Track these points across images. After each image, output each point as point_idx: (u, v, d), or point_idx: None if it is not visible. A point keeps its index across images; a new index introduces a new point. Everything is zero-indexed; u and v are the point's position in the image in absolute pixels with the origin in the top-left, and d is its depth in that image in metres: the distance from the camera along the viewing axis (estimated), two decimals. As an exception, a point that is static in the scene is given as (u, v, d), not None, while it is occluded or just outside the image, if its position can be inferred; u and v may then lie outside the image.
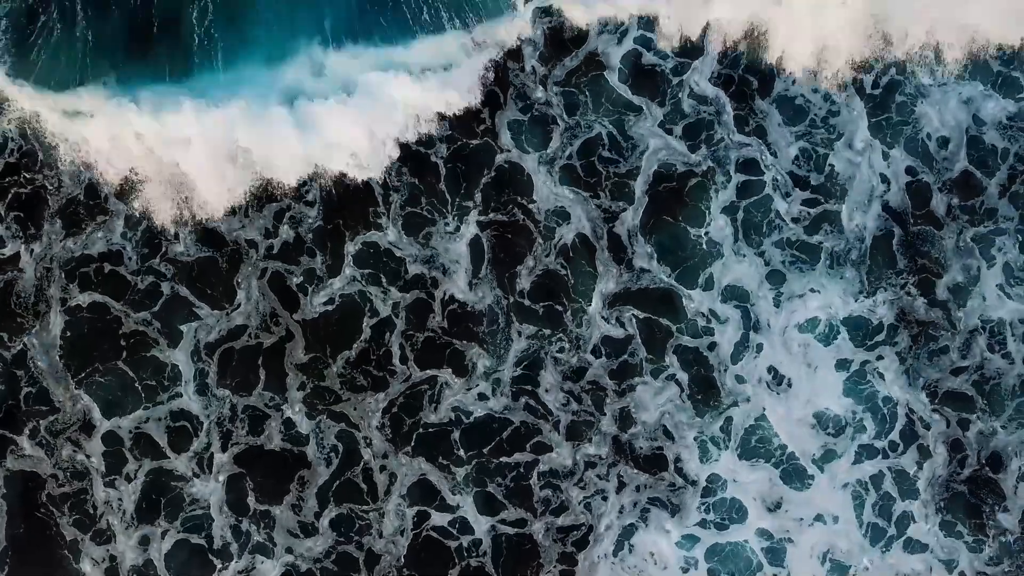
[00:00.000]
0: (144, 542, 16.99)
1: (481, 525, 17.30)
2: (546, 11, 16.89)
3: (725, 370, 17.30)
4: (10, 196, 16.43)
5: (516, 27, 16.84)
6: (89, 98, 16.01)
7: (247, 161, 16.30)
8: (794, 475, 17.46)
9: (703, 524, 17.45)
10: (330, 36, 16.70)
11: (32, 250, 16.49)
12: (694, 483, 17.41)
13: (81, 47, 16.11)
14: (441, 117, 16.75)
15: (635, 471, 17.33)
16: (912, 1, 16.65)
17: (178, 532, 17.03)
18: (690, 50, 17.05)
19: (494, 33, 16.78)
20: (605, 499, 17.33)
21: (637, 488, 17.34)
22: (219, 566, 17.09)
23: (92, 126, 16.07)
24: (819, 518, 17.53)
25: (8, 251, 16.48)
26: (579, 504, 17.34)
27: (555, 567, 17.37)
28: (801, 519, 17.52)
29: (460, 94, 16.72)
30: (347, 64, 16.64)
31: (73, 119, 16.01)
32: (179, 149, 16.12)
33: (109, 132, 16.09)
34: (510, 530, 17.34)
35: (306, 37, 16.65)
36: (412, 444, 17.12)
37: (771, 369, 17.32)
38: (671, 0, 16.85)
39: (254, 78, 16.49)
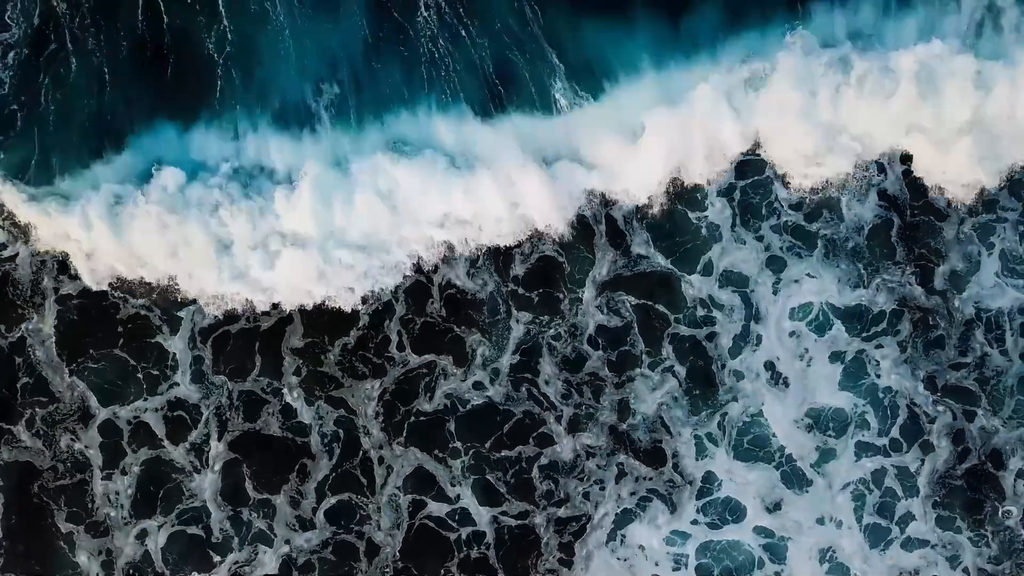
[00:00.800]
0: (141, 535, 16.86)
1: (483, 516, 17.14)
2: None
3: (723, 366, 17.14)
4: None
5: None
6: (86, 207, 15.77)
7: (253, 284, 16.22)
8: (793, 476, 17.26)
9: (696, 522, 17.28)
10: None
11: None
12: (691, 482, 17.25)
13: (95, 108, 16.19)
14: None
15: (635, 462, 17.18)
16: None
17: (173, 525, 16.90)
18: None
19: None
20: (603, 489, 17.16)
21: (636, 479, 17.18)
22: (216, 559, 16.95)
23: (86, 243, 15.94)
24: (819, 520, 17.34)
25: (8, 252, 16.52)
26: (578, 494, 17.17)
27: (554, 555, 17.20)
28: (800, 521, 17.33)
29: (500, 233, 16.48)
30: (371, 163, 16.19)
31: (63, 213, 15.89)
32: (177, 263, 15.99)
33: (94, 242, 15.91)
34: (512, 522, 17.18)
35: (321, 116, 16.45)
36: (406, 434, 17.00)
37: (769, 365, 17.15)
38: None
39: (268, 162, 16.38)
